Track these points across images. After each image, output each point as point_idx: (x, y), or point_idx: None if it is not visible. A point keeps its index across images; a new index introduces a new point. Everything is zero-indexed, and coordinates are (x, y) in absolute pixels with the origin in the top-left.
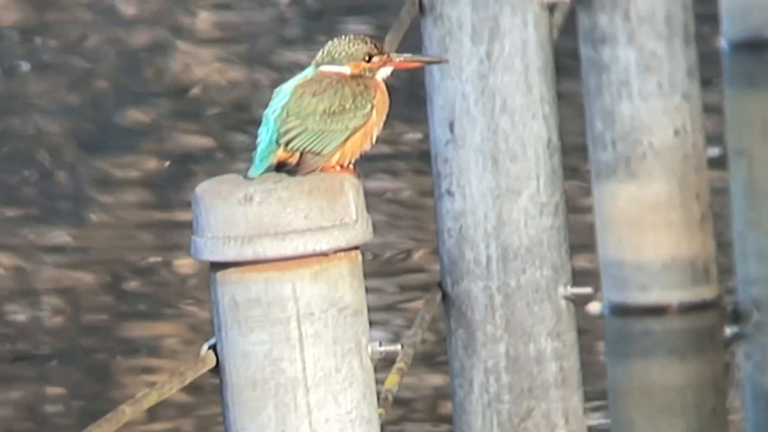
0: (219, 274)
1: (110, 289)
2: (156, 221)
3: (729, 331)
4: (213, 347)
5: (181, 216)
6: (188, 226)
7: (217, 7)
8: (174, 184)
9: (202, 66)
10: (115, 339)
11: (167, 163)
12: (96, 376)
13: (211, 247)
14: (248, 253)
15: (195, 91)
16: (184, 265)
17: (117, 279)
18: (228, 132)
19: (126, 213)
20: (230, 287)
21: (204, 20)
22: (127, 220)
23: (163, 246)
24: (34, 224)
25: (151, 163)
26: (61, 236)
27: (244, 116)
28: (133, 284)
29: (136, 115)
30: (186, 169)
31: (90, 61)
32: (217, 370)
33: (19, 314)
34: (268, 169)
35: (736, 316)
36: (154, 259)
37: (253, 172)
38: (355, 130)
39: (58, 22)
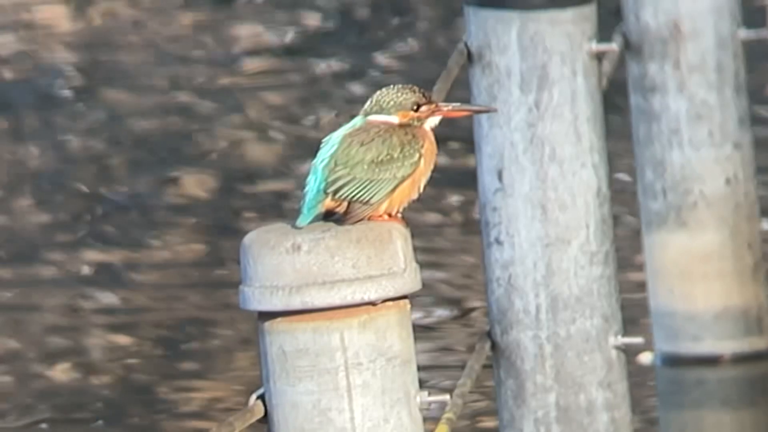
0: (267, 324)
1: (158, 350)
2: (204, 281)
3: None
4: (261, 397)
5: (230, 275)
6: (236, 285)
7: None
8: (224, 242)
9: (246, 138)
10: (163, 400)
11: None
12: None
13: (258, 296)
14: (296, 302)
15: (236, 159)
16: (233, 323)
17: (165, 339)
18: (270, 202)
19: (174, 272)
20: (278, 337)
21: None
22: (176, 280)
23: (212, 306)
24: (82, 285)
25: (200, 224)
26: (108, 297)
27: (286, 186)
28: (181, 344)
29: (184, 181)
30: (235, 229)
31: (136, 131)
32: (265, 420)
33: (65, 375)
34: (315, 219)
35: None
36: (202, 318)
37: (300, 221)
38: (403, 179)
39: (107, 89)
